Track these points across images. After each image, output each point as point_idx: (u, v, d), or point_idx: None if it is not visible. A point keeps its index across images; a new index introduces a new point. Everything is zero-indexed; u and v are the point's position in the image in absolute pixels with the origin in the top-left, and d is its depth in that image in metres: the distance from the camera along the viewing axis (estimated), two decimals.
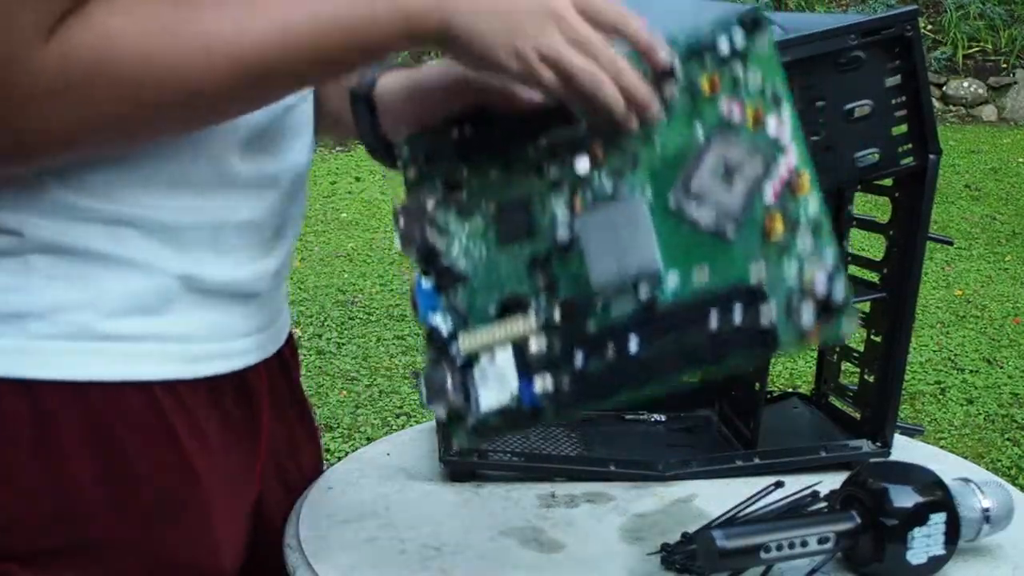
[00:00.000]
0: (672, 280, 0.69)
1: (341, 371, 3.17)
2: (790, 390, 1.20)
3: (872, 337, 1.02)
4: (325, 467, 0.99)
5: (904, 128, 0.94)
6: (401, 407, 2.93)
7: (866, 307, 1.04)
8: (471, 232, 0.74)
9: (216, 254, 0.75)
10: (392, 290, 3.85)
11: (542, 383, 0.69)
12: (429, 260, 0.73)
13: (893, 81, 0.92)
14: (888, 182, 0.99)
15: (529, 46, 0.66)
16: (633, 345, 0.68)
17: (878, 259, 1.02)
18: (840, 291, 0.66)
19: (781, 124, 0.70)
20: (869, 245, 1.13)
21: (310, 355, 3.27)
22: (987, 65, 7.06)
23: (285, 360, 0.90)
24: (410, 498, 0.93)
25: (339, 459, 1.13)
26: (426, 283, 0.73)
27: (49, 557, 0.70)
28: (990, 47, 7.12)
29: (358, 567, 0.82)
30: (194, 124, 0.70)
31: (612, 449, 1.02)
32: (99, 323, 0.69)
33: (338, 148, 5.99)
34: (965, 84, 6.92)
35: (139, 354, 0.71)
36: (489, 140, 0.75)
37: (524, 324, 0.71)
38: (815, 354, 1.15)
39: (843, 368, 1.10)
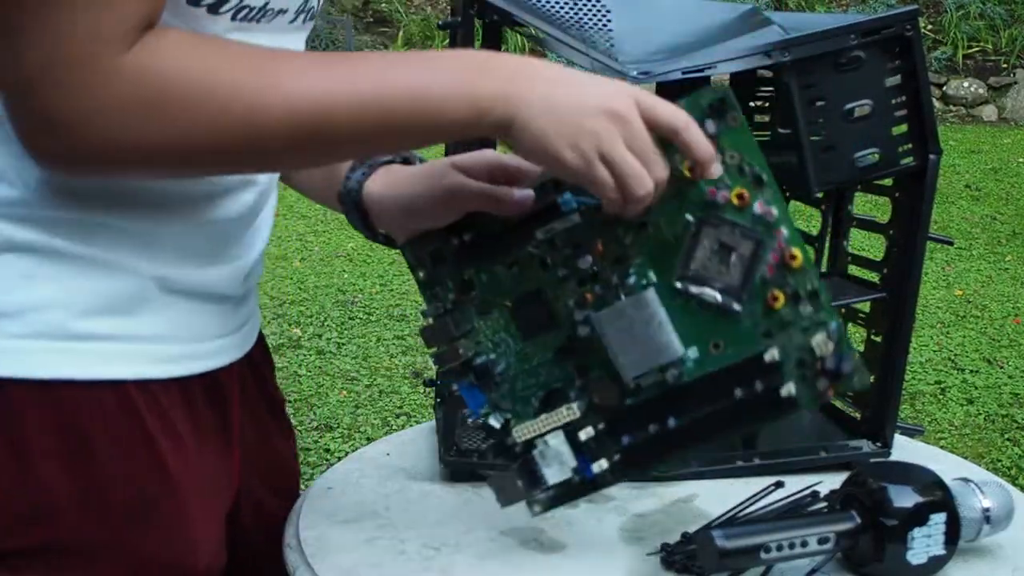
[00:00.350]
0: (692, 356, 0.76)
1: (341, 371, 3.17)
2: None
3: (872, 337, 1.02)
4: (325, 467, 0.99)
5: (904, 128, 0.94)
6: (401, 407, 2.93)
7: (866, 307, 1.04)
8: (494, 327, 0.79)
9: (189, 255, 0.76)
10: (392, 290, 3.85)
11: (598, 466, 0.79)
12: (465, 367, 0.79)
13: (893, 81, 0.92)
14: (888, 182, 0.99)
15: (591, 146, 0.68)
16: (671, 421, 0.77)
17: (878, 259, 1.02)
18: (848, 365, 0.73)
19: (767, 206, 0.74)
20: (869, 245, 1.13)
21: (310, 355, 3.27)
22: (987, 65, 7.06)
23: (255, 361, 0.90)
24: (410, 498, 0.93)
25: (339, 459, 1.13)
26: (467, 384, 0.79)
27: (21, 558, 0.70)
28: (990, 47, 7.12)
29: (358, 567, 0.82)
30: (245, 167, 0.72)
31: None
32: (72, 322, 0.70)
33: None
34: (965, 84, 6.92)
35: (112, 354, 0.71)
36: (489, 243, 0.78)
37: (568, 412, 0.78)
38: None
39: None
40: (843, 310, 1.08)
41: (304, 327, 3.49)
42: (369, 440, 2.59)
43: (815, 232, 1.07)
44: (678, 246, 0.75)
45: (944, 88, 6.89)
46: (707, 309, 0.75)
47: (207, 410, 0.80)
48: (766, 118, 1.10)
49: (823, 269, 1.08)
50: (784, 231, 0.73)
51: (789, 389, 0.74)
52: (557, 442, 0.78)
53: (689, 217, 0.74)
